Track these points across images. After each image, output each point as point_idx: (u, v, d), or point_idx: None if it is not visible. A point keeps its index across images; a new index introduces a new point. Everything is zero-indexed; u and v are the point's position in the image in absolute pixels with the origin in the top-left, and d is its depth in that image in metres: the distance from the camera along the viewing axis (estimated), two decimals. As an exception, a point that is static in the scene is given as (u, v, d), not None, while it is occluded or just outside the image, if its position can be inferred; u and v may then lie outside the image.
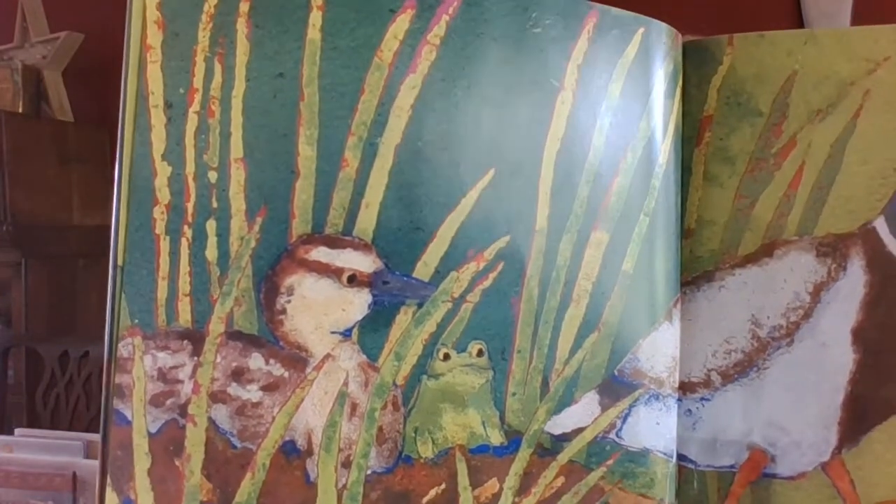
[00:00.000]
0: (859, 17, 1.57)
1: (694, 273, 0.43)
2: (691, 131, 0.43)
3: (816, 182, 0.41)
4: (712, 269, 0.43)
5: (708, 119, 0.43)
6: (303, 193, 0.35)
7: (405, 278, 0.37)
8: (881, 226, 0.41)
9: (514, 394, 0.40)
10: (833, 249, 0.41)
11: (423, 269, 0.37)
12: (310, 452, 0.36)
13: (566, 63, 0.39)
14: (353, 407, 0.37)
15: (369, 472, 0.37)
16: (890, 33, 0.41)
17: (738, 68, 0.42)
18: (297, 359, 0.36)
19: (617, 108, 0.40)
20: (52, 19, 2.09)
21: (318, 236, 0.35)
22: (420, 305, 0.37)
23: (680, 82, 0.43)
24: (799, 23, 1.59)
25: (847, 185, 0.41)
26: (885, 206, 0.40)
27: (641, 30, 0.41)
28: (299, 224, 0.35)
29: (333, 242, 0.36)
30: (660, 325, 0.42)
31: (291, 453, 0.36)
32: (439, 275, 0.37)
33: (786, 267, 0.42)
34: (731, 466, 0.42)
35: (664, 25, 0.42)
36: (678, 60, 0.42)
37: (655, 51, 0.41)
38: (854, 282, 0.41)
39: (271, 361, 0.35)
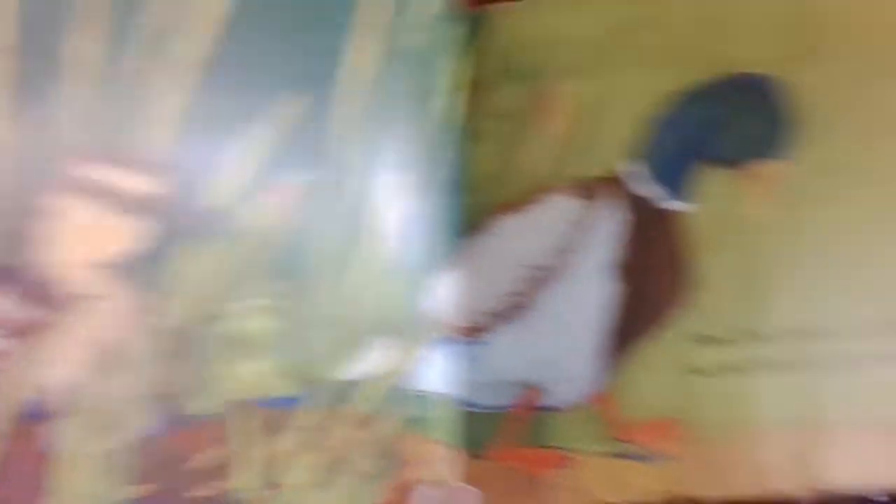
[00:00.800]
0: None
1: (470, 224, 0.46)
2: (464, 92, 0.45)
3: (574, 133, 0.46)
4: (486, 218, 0.46)
5: (477, 79, 0.46)
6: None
7: (195, 209, 0.34)
8: (633, 167, 0.46)
9: (306, 342, 0.39)
10: (590, 192, 0.45)
11: (216, 199, 0.35)
12: (62, 413, 0.32)
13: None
14: (121, 356, 0.33)
15: (139, 433, 0.34)
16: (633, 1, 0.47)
17: (508, 30, 0.46)
18: (54, 298, 0.32)
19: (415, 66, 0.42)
20: None
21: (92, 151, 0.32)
22: (209, 241, 0.35)
23: (454, 44, 0.45)
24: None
25: (606, 131, 0.46)
26: (638, 149, 0.46)
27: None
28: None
29: (111, 160, 0.32)
30: (441, 274, 0.44)
31: (35, 416, 0.31)
32: (234, 208, 0.35)
33: (550, 211, 0.45)
34: (510, 405, 0.45)
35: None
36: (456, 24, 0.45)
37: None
38: (609, 221, 0.45)
39: (23, 300, 0.31)
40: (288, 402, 0.39)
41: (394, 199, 0.42)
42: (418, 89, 0.43)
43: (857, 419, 0.43)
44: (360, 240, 0.41)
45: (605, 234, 0.45)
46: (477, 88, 0.46)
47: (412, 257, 0.43)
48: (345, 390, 0.41)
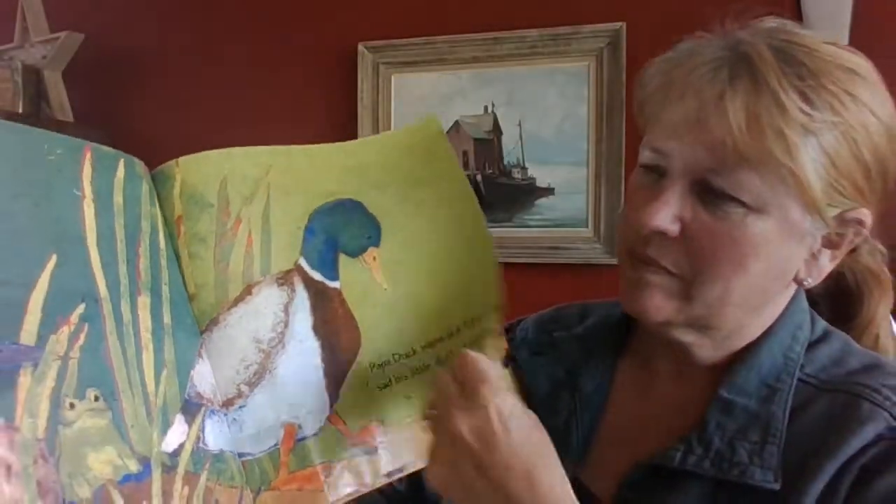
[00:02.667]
0: (859, 17, 1.58)
1: (205, 322, 0.61)
2: (173, 227, 0.61)
3: (261, 241, 0.64)
4: (216, 315, 0.62)
5: (180, 218, 0.62)
6: None
7: (14, 346, 0.47)
8: (303, 261, 0.65)
9: (132, 426, 0.53)
10: (286, 280, 0.64)
11: (28, 337, 0.48)
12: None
13: (81, 179, 0.55)
14: (8, 469, 0.44)
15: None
16: (267, 153, 0.66)
17: (186, 179, 0.62)
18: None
19: (124, 211, 0.57)
20: (52, 19, 2.15)
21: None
22: (35, 366, 0.48)
23: (156, 195, 0.61)
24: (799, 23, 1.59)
25: (278, 239, 0.65)
26: (301, 249, 0.65)
27: (122, 160, 0.59)
28: None
29: None
30: (198, 361, 0.60)
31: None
32: (42, 339, 0.49)
33: (263, 298, 0.63)
34: (276, 444, 0.62)
35: (134, 160, 0.60)
36: (150, 181, 0.61)
37: (135, 174, 0.59)
38: (302, 297, 0.65)
39: None
40: (138, 477, 0.52)
41: (153, 311, 0.57)
42: (144, 227, 0.59)
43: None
44: (143, 346, 0.55)
45: (302, 307, 0.65)
46: (182, 223, 0.62)
47: (178, 349, 0.58)
48: (171, 458, 0.54)
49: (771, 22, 0.65)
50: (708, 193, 0.61)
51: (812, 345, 0.67)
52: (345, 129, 1.95)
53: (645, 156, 0.65)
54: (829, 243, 0.64)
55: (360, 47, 1.96)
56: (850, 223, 0.63)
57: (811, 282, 0.65)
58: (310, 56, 2.03)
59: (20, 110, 2.04)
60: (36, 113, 2.08)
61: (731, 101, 0.59)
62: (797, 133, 0.58)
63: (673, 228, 0.62)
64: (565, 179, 1.84)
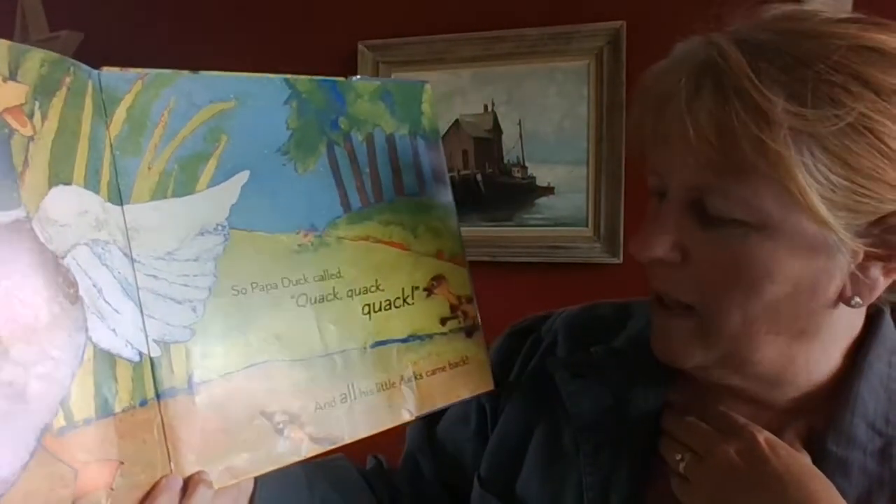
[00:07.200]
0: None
1: None
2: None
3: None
4: None
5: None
6: None
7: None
8: None
9: None
10: None
11: None
12: None
13: None
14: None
15: None
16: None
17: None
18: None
19: None
20: (52, 19, 2.16)
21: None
22: None
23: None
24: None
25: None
26: None
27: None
28: None
29: None
30: None
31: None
32: None
33: None
34: None
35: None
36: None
37: None
38: None
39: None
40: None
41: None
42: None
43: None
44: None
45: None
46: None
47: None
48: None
49: (773, 10, 0.56)
50: (704, 214, 0.54)
51: None
52: (345, 128, 1.97)
53: (650, 180, 0.59)
54: (878, 255, 0.53)
55: (360, 46, 2.00)
56: None
57: (861, 301, 0.55)
58: (310, 55, 2.05)
59: (20, 108, 2.07)
60: (35, 112, 2.10)
61: (697, 112, 0.52)
62: (782, 138, 0.49)
63: (672, 256, 0.56)
64: (565, 178, 1.87)
